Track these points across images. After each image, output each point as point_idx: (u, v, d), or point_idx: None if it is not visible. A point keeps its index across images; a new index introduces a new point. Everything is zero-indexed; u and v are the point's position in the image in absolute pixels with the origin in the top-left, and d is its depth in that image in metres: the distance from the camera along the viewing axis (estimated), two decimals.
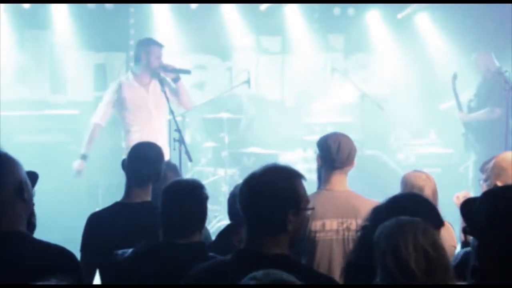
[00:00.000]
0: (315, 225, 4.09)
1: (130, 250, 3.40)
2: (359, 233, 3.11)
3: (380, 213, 2.95)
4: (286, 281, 2.03)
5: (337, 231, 4.10)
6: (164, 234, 3.33)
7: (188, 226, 3.32)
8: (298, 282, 2.06)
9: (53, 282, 2.26)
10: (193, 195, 3.36)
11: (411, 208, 2.90)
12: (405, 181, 4.42)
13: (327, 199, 4.14)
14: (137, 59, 7.32)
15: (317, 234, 4.10)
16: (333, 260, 4.02)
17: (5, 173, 2.74)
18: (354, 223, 4.04)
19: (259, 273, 2.03)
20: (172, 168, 4.86)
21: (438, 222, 2.95)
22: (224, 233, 3.90)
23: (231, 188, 8.46)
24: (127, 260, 3.36)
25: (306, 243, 4.08)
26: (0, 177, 2.72)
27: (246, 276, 2.05)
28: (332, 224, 4.11)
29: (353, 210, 4.09)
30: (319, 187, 4.25)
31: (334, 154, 4.15)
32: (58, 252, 2.74)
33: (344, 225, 4.10)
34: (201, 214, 3.37)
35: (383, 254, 2.51)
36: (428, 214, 2.91)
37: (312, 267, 3.59)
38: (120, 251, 3.42)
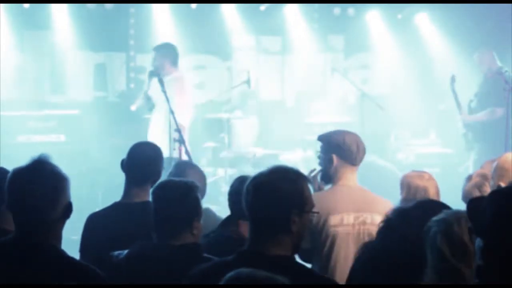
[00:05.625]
0: (334, 219, 4.14)
1: (125, 252, 3.39)
2: (381, 228, 3.08)
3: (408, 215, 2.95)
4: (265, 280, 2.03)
5: (353, 225, 4.14)
6: (157, 235, 3.32)
7: (178, 227, 3.29)
8: (284, 282, 2.06)
9: None
10: (181, 196, 3.33)
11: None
12: (407, 183, 4.40)
13: (344, 194, 4.21)
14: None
15: (336, 229, 4.14)
16: (349, 254, 4.02)
17: (61, 192, 2.73)
18: (369, 218, 4.11)
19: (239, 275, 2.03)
20: (189, 165, 4.91)
21: None
22: (224, 224, 3.93)
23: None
24: (122, 261, 3.34)
25: (323, 238, 4.12)
26: (56, 197, 2.71)
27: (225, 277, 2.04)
28: (349, 218, 4.16)
29: (368, 205, 4.15)
30: (333, 183, 4.30)
31: (354, 152, 4.23)
32: (87, 271, 2.76)
33: (360, 219, 4.15)
34: (190, 215, 3.33)
35: (435, 236, 2.52)
36: None
37: (313, 270, 3.58)
38: (116, 253, 3.41)
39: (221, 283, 2.03)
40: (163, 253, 3.24)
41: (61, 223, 2.77)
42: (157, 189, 3.41)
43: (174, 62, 7.88)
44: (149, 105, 7.76)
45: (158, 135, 7.46)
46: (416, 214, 2.90)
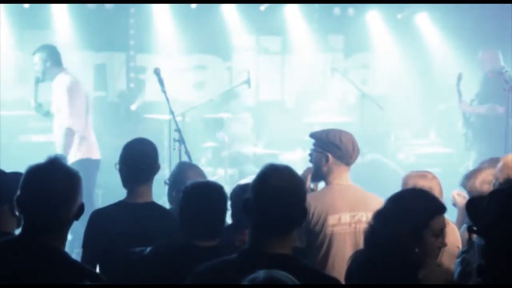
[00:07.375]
0: (333, 219, 4.15)
1: (148, 249, 3.37)
2: (367, 234, 3.09)
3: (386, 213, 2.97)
4: (284, 281, 2.04)
5: (350, 224, 4.16)
6: (184, 235, 3.30)
7: (211, 228, 3.30)
8: (297, 282, 2.07)
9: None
10: (215, 196, 3.34)
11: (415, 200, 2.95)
12: (413, 184, 4.34)
13: (340, 193, 4.22)
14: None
15: (334, 228, 4.15)
16: (347, 253, 4.02)
17: (79, 192, 2.70)
18: (365, 216, 4.10)
19: (259, 276, 2.05)
20: (189, 165, 4.89)
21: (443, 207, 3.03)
22: (227, 231, 3.88)
23: (232, 188, 8.44)
24: (145, 258, 3.33)
25: (321, 238, 4.13)
26: (74, 196, 2.68)
27: (247, 278, 2.07)
28: (346, 217, 4.18)
29: (362, 203, 4.16)
30: (328, 182, 4.29)
31: (350, 152, 4.24)
32: (90, 274, 2.73)
33: (356, 218, 4.17)
34: (223, 215, 3.35)
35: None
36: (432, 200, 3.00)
37: (316, 268, 3.59)
38: (138, 249, 3.40)
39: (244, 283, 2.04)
40: (191, 254, 3.21)
41: (71, 224, 2.74)
42: (190, 190, 3.38)
43: (57, 62, 7.51)
44: (43, 111, 7.51)
45: (59, 137, 7.34)
46: (394, 217, 2.92)
